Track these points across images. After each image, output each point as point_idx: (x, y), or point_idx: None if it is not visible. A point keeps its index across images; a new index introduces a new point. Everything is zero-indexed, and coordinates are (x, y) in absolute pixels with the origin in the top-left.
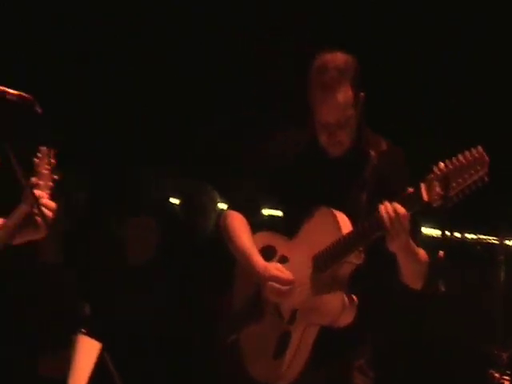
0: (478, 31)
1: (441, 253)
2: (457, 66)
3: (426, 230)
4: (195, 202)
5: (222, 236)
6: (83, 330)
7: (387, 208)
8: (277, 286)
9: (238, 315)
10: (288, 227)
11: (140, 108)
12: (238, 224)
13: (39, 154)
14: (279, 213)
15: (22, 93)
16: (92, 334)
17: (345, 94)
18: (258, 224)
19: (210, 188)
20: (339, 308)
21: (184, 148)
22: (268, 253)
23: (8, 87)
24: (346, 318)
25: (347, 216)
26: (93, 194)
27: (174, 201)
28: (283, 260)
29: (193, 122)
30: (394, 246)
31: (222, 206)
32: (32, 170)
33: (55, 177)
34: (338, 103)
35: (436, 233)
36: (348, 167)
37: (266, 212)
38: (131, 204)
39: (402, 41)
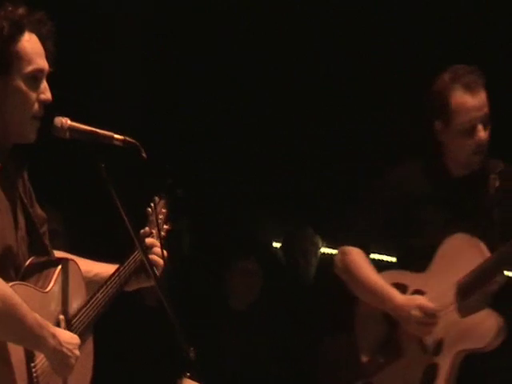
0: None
1: None
2: None
3: None
4: (297, 245)
5: (339, 273)
6: (188, 374)
7: None
8: (423, 315)
9: (370, 357)
10: (413, 261)
11: (242, 154)
12: (363, 260)
13: (152, 204)
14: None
15: (126, 138)
16: (196, 378)
17: (487, 116)
18: None
19: (312, 232)
20: (495, 329)
21: (289, 190)
22: (399, 290)
23: (115, 132)
24: (498, 340)
25: (481, 238)
26: (197, 237)
27: (276, 244)
28: (419, 294)
29: (298, 163)
30: None
31: (325, 249)
32: (146, 219)
33: (167, 226)
34: (487, 120)
35: None
36: (471, 189)
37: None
38: (237, 248)
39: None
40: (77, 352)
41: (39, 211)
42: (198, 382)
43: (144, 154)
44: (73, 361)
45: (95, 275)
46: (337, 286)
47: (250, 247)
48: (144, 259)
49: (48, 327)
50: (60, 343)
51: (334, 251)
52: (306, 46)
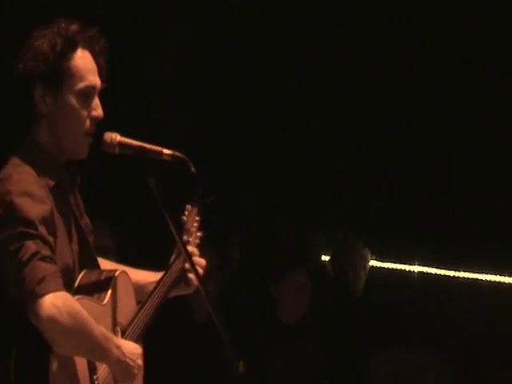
0: None
1: None
2: None
3: None
4: (346, 258)
5: None
6: None
7: None
8: None
9: None
10: None
11: (294, 164)
12: None
13: (186, 212)
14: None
15: (175, 152)
16: None
17: None
18: None
19: (361, 245)
20: None
21: (338, 202)
22: None
23: (164, 147)
24: None
25: None
26: (246, 251)
27: (325, 257)
28: None
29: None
30: None
31: (373, 263)
32: (181, 228)
33: (200, 234)
34: None
35: None
36: None
37: (415, 268)
38: (288, 261)
39: None
40: (139, 362)
41: (87, 221)
42: None
43: (193, 169)
44: (135, 371)
45: (134, 283)
46: (385, 299)
47: (299, 260)
48: (192, 269)
49: (112, 339)
50: (124, 354)
51: (383, 264)
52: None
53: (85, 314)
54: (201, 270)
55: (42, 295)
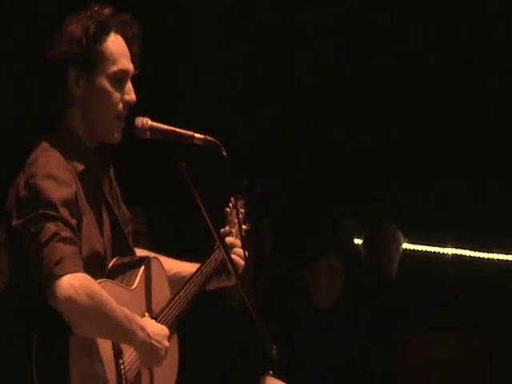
0: None
1: None
2: None
3: None
4: (379, 242)
5: None
6: (271, 372)
7: None
8: None
9: None
10: None
11: (321, 151)
12: None
13: (230, 204)
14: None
15: (207, 137)
16: (279, 376)
17: None
18: None
19: (395, 228)
20: None
21: (370, 185)
22: None
23: (195, 131)
24: None
25: None
26: (278, 237)
27: (357, 240)
28: None
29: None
30: None
31: (406, 245)
32: (225, 219)
33: (245, 226)
34: None
35: None
36: None
37: (449, 251)
38: (321, 245)
39: None
40: (166, 343)
41: (125, 211)
42: (280, 379)
43: (224, 153)
44: (162, 352)
45: (175, 274)
46: (419, 282)
47: (331, 244)
48: (226, 258)
49: (136, 320)
50: (148, 335)
51: (416, 247)
52: None
53: (105, 295)
54: (241, 261)
55: (60, 276)
